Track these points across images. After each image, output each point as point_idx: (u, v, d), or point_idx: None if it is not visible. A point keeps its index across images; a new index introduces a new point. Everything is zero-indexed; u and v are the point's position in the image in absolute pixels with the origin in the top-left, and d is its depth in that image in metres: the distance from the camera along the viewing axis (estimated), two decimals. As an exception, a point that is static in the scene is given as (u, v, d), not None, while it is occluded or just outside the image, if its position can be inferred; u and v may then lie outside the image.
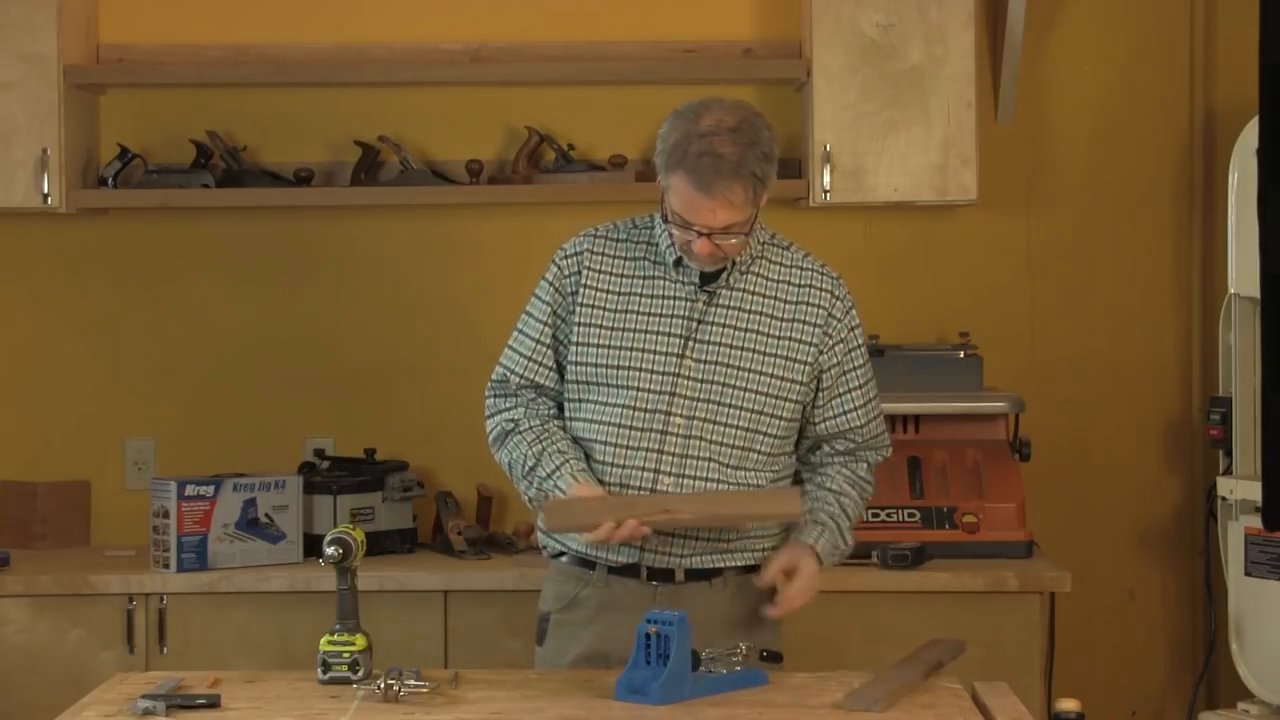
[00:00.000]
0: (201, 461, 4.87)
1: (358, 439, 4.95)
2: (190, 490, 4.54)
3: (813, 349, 3.40)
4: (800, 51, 4.89)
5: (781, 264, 3.43)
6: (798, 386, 3.39)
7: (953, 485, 4.63)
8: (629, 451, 3.35)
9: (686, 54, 4.94)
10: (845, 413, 3.44)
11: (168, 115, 4.97)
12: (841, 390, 3.44)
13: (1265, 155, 4.14)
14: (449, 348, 4.96)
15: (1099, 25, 5.05)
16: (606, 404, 3.37)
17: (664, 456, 3.34)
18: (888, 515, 4.59)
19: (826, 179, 4.72)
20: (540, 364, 3.42)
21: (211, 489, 4.56)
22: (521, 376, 3.43)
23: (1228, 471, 4.67)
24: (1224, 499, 4.66)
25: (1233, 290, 4.63)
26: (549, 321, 3.42)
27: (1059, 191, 5.06)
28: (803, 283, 3.42)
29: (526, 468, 3.38)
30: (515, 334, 3.46)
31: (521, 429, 3.41)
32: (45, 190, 4.69)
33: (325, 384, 5.03)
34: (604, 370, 3.37)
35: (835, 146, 4.72)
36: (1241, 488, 4.57)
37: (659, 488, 3.33)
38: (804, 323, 3.40)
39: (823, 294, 3.42)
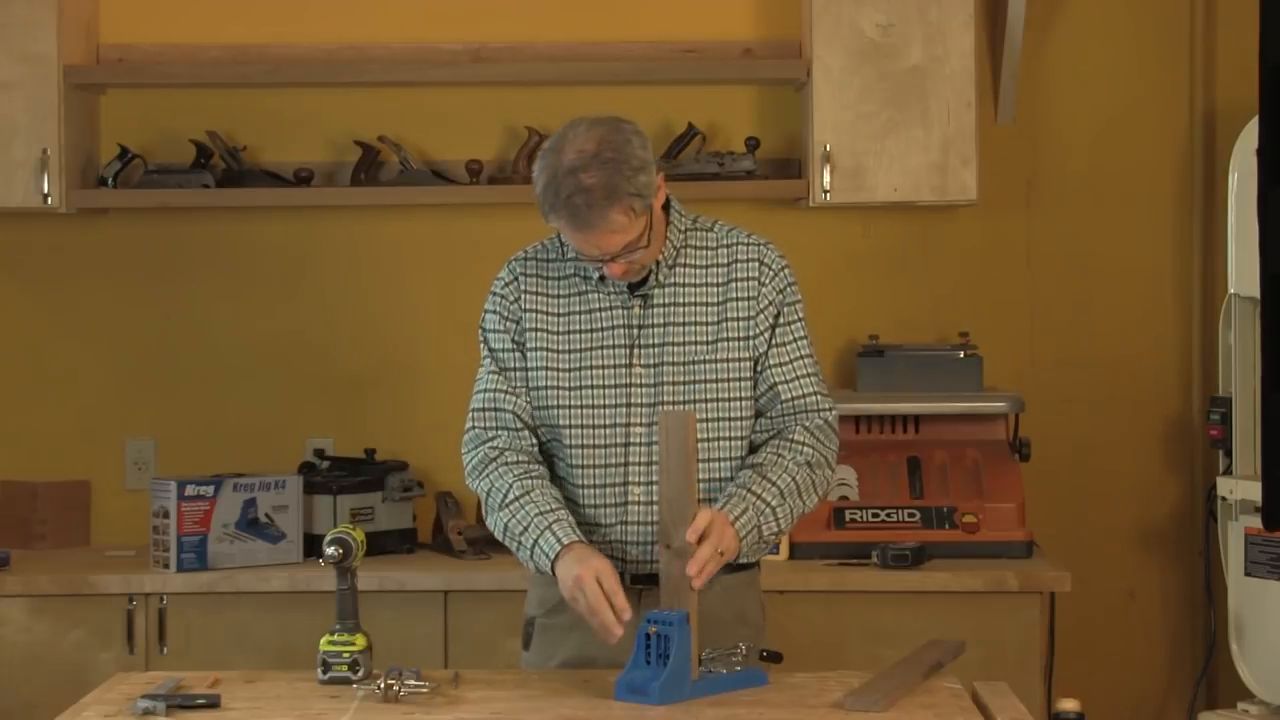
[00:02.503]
0: (201, 461, 4.87)
1: (358, 439, 4.95)
2: (190, 490, 4.54)
3: (751, 322, 3.33)
4: (800, 51, 4.89)
5: (706, 247, 3.37)
6: (751, 364, 3.34)
7: (953, 485, 4.63)
8: (595, 470, 3.32)
9: (686, 54, 4.94)
10: (769, 367, 3.32)
11: (168, 115, 4.98)
12: (773, 346, 3.33)
13: (1265, 155, 4.13)
14: (449, 348, 4.95)
15: (1099, 25, 5.05)
16: (567, 426, 3.32)
17: (630, 468, 3.31)
18: (888, 515, 4.59)
19: (826, 179, 4.71)
20: (524, 390, 3.36)
21: (211, 489, 4.56)
22: (512, 413, 3.35)
23: (1228, 471, 4.66)
24: (1224, 499, 4.65)
25: (1233, 290, 4.62)
26: (515, 350, 3.36)
27: (1059, 191, 5.06)
28: (729, 260, 3.36)
29: (508, 499, 3.28)
30: (488, 376, 3.37)
31: (508, 460, 3.33)
32: (45, 190, 4.69)
33: (325, 384, 5.03)
34: (559, 393, 3.33)
35: (835, 146, 4.72)
36: (1241, 488, 4.56)
37: (630, 499, 3.30)
38: (738, 299, 3.34)
39: (750, 264, 3.35)
